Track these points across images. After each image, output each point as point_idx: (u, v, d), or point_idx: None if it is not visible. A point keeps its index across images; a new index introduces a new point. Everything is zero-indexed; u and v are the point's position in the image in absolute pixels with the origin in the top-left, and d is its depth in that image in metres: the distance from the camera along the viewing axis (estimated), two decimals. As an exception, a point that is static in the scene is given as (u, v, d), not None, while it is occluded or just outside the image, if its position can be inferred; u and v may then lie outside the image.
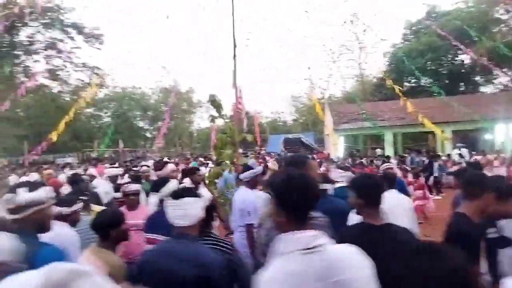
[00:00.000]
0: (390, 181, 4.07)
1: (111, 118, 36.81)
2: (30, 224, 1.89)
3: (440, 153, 16.70)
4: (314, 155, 19.24)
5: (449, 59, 30.53)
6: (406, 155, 16.81)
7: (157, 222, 2.95)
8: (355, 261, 1.40)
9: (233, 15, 6.61)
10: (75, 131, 29.62)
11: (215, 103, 6.42)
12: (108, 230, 2.51)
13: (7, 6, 17.83)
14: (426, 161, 13.78)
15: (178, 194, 2.14)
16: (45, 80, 23.63)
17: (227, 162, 7.17)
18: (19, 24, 13.31)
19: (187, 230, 2.07)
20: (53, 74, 23.61)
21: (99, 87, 21.26)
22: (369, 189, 2.22)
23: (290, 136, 28.17)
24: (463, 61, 30.82)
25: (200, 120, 47.53)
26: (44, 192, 1.99)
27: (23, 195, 1.89)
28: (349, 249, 1.45)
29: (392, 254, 1.26)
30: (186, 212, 2.07)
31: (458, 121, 19.76)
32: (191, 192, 2.20)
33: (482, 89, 31.90)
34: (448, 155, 15.71)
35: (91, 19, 40.74)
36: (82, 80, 28.55)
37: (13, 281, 0.45)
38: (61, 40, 22.57)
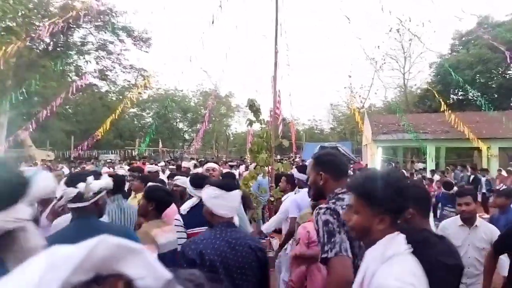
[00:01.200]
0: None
1: (152, 119, 38.04)
2: (95, 210, 2.07)
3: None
4: (351, 165, 18.90)
5: (500, 72, 29.02)
6: (447, 169, 16.06)
7: (197, 217, 3.06)
8: None
9: (276, 21, 6.69)
10: (118, 129, 30.93)
11: (253, 107, 6.52)
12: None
13: (65, 8, 19.00)
14: (472, 176, 13.14)
15: (230, 187, 2.21)
16: (94, 79, 24.88)
17: (263, 166, 7.23)
18: (73, 26, 14.15)
19: (230, 220, 2.19)
20: (102, 74, 24.83)
21: (144, 89, 22.06)
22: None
23: (326, 144, 27.77)
24: (515, 75, 29.22)
25: (237, 125, 48.06)
26: (106, 181, 2.15)
27: (96, 183, 2.04)
28: None
29: None
30: (234, 204, 2.20)
31: (506, 138, 18.73)
32: (238, 184, 2.35)
33: (535, 105, 30.06)
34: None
35: (141, 23, 42.17)
36: (129, 81, 29.82)
37: (54, 251, 0.42)
38: (112, 42, 23.72)
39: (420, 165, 20.90)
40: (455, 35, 32.39)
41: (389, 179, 1.46)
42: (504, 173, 14.28)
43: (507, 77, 29.19)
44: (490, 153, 18.26)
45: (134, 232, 2.56)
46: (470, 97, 28.05)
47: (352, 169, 15.53)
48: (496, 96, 28.09)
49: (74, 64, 24.78)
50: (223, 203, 2.11)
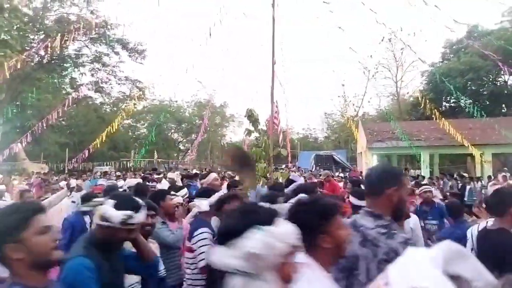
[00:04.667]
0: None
1: (147, 130, 37.99)
2: None
3: (478, 176, 16.13)
4: (347, 174, 19.02)
5: (491, 79, 29.49)
6: (436, 177, 16.14)
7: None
8: None
9: (273, 34, 6.79)
10: (113, 141, 30.83)
11: (252, 117, 6.58)
12: None
13: (60, 21, 19.08)
14: (460, 184, 13.31)
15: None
16: (89, 91, 24.91)
17: (260, 175, 7.27)
18: (68, 38, 14.22)
19: None
20: (97, 86, 24.89)
21: (140, 100, 22.11)
22: None
23: (321, 153, 28.00)
24: (506, 82, 29.67)
25: (232, 134, 48.08)
26: None
27: None
28: None
29: None
30: None
31: (498, 144, 18.98)
32: None
33: (526, 111, 30.49)
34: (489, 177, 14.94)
35: (135, 35, 42.38)
36: (124, 93, 29.90)
37: (416, 251, 0.51)
38: (107, 54, 23.83)
39: (412, 172, 21.05)
40: (446, 44, 32.95)
41: None
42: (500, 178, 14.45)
43: (498, 84, 29.67)
44: (484, 159, 18.47)
45: None
46: (462, 104, 28.43)
47: (348, 176, 15.63)
48: (487, 102, 28.49)
49: (69, 77, 24.85)
50: None
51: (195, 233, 3.05)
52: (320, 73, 65.75)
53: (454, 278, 0.46)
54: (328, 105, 49.72)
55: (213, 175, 5.32)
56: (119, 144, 34.27)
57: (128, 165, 25.98)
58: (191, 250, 3.05)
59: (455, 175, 15.91)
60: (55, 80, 23.74)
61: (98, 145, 16.50)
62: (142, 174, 13.69)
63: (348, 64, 43.84)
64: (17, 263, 1.37)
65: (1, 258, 1.38)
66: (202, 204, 3.22)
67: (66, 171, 20.96)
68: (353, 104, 37.40)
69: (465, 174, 16.29)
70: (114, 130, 14.76)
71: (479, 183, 14.12)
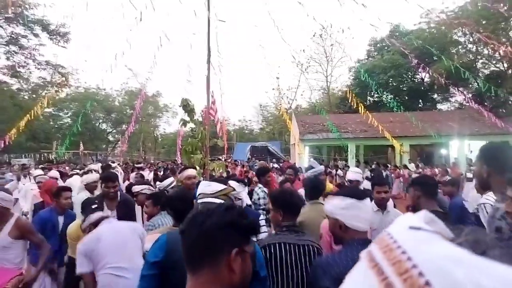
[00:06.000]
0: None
1: (71, 119, 35.47)
2: None
3: (397, 165, 17.62)
4: (281, 164, 19.53)
5: (410, 76, 32.05)
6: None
7: None
8: None
9: (208, 22, 6.66)
10: (32, 131, 28.31)
11: (187, 107, 6.43)
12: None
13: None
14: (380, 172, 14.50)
15: (360, 195, 1.86)
16: (4, 76, 22.51)
17: (197, 167, 7.16)
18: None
19: (366, 235, 1.85)
20: (13, 70, 22.54)
21: (62, 87, 20.46)
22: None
23: (257, 144, 28.47)
24: (422, 79, 32.46)
25: (166, 125, 46.84)
26: None
27: None
28: None
29: None
30: (368, 215, 1.85)
31: (415, 136, 20.73)
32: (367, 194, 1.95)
33: (439, 106, 33.70)
34: (405, 166, 16.66)
35: (57, 17, 39.17)
36: (44, 79, 27.47)
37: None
38: (25, 36, 21.59)
39: (340, 163, 22.26)
40: (371, 42, 35.06)
41: None
42: (411, 167, 16.18)
43: (416, 81, 32.37)
44: (402, 150, 20.08)
45: None
46: (384, 99, 30.57)
47: (281, 167, 16.07)
48: (406, 98, 30.95)
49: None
50: (357, 213, 1.78)
51: None
52: (255, 66, 66.40)
53: None
54: (263, 97, 50.57)
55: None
56: (39, 134, 31.62)
57: (50, 157, 24.07)
58: None
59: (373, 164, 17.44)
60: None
61: (15, 136, 15.05)
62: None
63: (282, 58, 44.82)
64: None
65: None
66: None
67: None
68: (287, 97, 38.44)
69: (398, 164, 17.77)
70: (33, 118, 13.54)
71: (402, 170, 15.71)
